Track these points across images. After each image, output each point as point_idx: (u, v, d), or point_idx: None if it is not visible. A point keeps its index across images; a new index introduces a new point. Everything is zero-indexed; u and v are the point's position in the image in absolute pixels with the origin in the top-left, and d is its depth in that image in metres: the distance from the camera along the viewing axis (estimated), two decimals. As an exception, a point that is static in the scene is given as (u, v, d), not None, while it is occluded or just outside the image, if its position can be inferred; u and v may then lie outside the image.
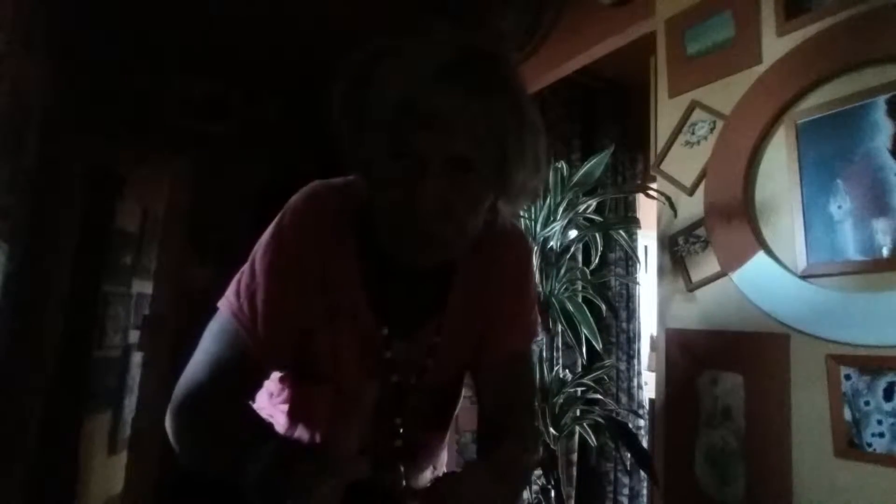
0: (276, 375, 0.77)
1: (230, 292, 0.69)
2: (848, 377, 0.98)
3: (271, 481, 0.55)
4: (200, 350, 0.67)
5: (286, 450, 0.60)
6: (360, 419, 0.68)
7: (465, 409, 0.89)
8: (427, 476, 0.88)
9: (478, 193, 0.64)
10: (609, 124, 2.47)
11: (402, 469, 0.73)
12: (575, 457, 2.16)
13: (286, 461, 0.56)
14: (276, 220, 0.70)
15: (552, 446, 1.41)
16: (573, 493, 2.14)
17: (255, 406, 0.77)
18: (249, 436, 0.63)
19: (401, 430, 0.76)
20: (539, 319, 0.85)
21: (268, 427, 0.70)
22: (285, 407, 0.77)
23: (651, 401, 2.21)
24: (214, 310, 0.70)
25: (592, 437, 1.46)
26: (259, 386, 0.72)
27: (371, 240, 0.69)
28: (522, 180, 0.66)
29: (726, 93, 1.26)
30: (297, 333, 0.70)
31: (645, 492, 2.30)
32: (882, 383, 0.94)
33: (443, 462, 0.94)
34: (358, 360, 0.73)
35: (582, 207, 1.49)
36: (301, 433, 0.76)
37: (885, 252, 0.96)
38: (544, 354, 1.54)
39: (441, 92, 0.58)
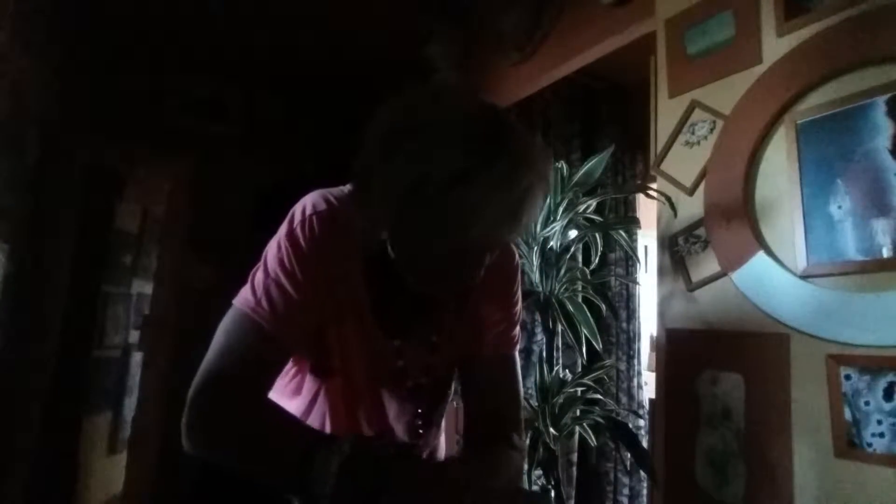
0: (286, 369, 0.80)
1: (244, 290, 0.71)
2: (848, 377, 0.98)
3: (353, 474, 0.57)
4: (217, 346, 0.68)
5: (362, 443, 0.61)
6: (372, 417, 0.78)
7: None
8: None
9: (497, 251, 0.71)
10: (609, 124, 2.47)
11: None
12: (575, 457, 2.16)
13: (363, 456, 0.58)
14: (286, 221, 0.73)
15: (552, 446, 1.41)
16: (573, 493, 2.14)
17: None
18: (285, 429, 0.66)
19: (420, 432, 0.83)
20: (519, 330, 0.89)
21: (297, 419, 0.73)
22: (296, 399, 0.81)
23: (651, 401, 2.21)
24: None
25: (592, 437, 1.46)
26: (277, 376, 0.74)
27: (371, 251, 0.73)
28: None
29: (726, 93, 1.26)
30: (312, 328, 0.73)
31: (645, 492, 2.30)
32: (882, 383, 0.94)
33: (441, 449, 0.97)
34: (367, 363, 0.77)
35: (582, 207, 1.49)
36: (312, 422, 0.79)
37: (885, 252, 0.96)
38: (544, 354, 1.54)
39: (483, 196, 0.59)
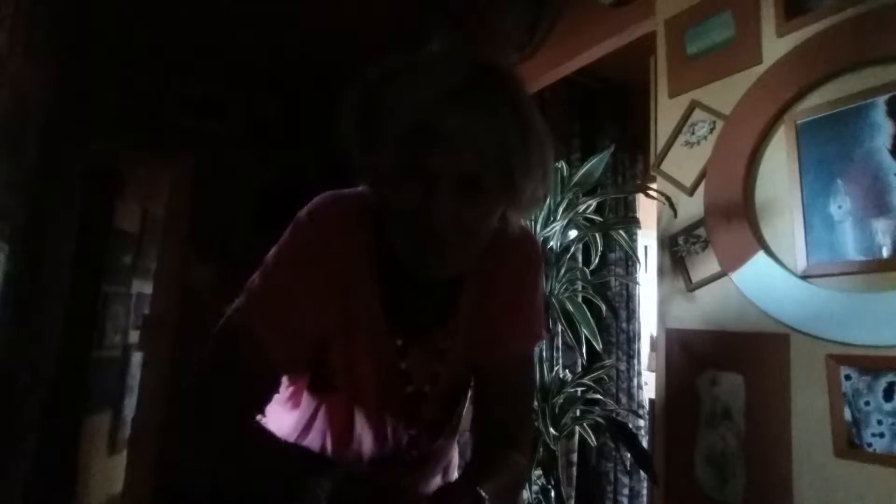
0: (283, 380, 0.76)
1: (241, 299, 0.67)
2: (848, 377, 0.98)
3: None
4: (206, 358, 0.65)
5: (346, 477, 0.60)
6: (374, 429, 0.72)
7: (467, 409, 0.89)
8: (437, 482, 0.86)
9: (486, 206, 0.64)
10: (609, 124, 2.47)
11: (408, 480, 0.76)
12: (575, 457, 2.16)
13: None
14: (291, 226, 0.69)
15: (552, 446, 1.41)
16: (573, 493, 2.14)
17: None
18: (266, 451, 0.65)
19: (416, 441, 0.77)
20: (543, 325, 0.84)
21: (281, 442, 0.71)
22: (295, 413, 0.77)
23: (651, 401, 2.21)
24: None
25: (592, 437, 1.46)
26: (272, 393, 0.71)
27: (383, 249, 0.69)
28: (531, 191, 0.66)
29: (726, 93, 1.26)
30: (313, 340, 0.69)
31: (645, 492, 2.30)
32: (882, 383, 0.94)
33: (454, 465, 0.93)
34: (372, 369, 0.72)
35: (582, 207, 1.49)
36: (312, 440, 0.75)
37: (885, 252, 0.96)
38: (544, 354, 1.54)
39: (450, 113, 0.59)
